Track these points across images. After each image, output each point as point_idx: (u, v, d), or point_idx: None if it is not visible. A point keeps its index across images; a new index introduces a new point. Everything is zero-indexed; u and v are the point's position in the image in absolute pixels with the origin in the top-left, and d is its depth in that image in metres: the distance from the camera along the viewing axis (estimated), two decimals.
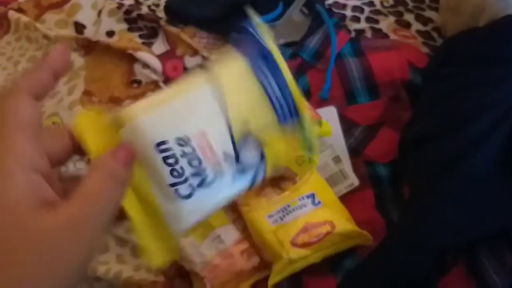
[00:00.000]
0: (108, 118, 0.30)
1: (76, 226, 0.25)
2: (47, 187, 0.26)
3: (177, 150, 0.29)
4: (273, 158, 0.32)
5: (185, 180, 0.29)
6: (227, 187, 0.31)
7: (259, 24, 0.33)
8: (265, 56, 0.32)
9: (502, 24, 0.57)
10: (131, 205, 0.29)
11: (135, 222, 0.29)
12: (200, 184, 0.29)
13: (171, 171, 0.29)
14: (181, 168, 0.29)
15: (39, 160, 0.26)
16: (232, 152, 0.30)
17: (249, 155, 0.31)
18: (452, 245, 0.49)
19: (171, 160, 0.29)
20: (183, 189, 0.29)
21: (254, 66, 0.31)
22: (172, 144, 0.29)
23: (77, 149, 0.30)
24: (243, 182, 0.31)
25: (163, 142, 0.29)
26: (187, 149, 0.29)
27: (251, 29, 0.33)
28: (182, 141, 0.29)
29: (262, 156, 0.31)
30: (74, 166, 0.62)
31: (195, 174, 0.29)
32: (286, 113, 0.32)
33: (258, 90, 0.31)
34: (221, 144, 0.30)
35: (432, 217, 0.48)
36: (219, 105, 0.30)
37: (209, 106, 0.30)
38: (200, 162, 0.29)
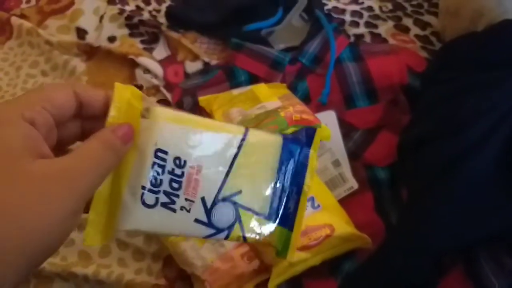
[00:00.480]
0: (141, 103, 0.31)
1: (68, 176, 0.26)
2: (43, 143, 0.27)
3: (169, 165, 0.30)
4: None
5: (156, 192, 0.30)
6: (185, 225, 0.32)
7: (318, 131, 0.35)
8: (301, 162, 0.34)
9: (500, 29, 0.57)
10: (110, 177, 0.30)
11: (98, 195, 0.30)
12: (164, 205, 0.31)
13: (152, 177, 0.30)
14: (161, 180, 0.30)
15: (39, 115, 0.27)
16: (209, 202, 0.31)
17: (221, 217, 0.32)
18: (451, 248, 0.49)
19: (158, 169, 0.30)
20: (149, 198, 0.30)
21: (284, 157, 0.33)
22: (169, 157, 0.30)
23: (79, 109, 0.30)
24: (203, 231, 0.32)
25: (164, 151, 0.30)
26: (177, 171, 0.31)
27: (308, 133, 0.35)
28: (179, 162, 0.30)
29: (235, 223, 0.32)
30: None
31: (167, 194, 0.30)
32: (274, 214, 0.33)
33: (270, 177, 0.33)
34: (205, 190, 0.31)
35: (432, 220, 0.48)
36: (230, 160, 0.32)
37: (223, 154, 0.32)
38: (179, 188, 0.31)
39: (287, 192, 0.33)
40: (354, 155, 0.59)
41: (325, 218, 0.52)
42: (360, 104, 0.63)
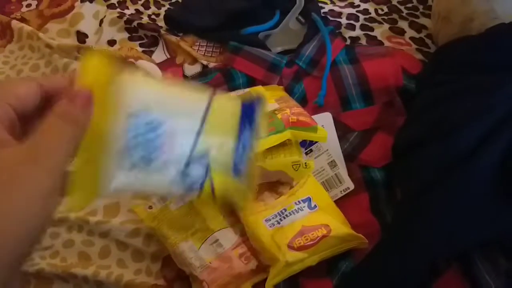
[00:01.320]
0: (111, 69, 0.31)
1: (34, 156, 0.27)
2: (3, 131, 0.28)
3: (142, 128, 0.31)
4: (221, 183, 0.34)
5: (132, 155, 0.30)
6: (162, 185, 0.32)
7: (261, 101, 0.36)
8: (253, 121, 0.35)
9: (494, 32, 0.58)
10: (85, 145, 0.30)
11: (80, 157, 0.30)
12: (141, 166, 0.31)
13: (127, 141, 0.30)
14: (136, 143, 0.30)
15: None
16: (183, 162, 0.32)
17: (194, 175, 0.33)
18: (447, 253, 0.49)
19: (132, 133, 0.30)
20: (126, 161, 0.30)
21: (243, 119, 0.35)
22: (142, 121, 0.31)
23: (47, 100, 0.31)
24: (178, 190, 0.33)
25: (137, 115, 0.30)
26: (151, 134, 0.31)
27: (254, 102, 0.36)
28: (152, 125, 0.31)
29: (205, 181, 0.34)
30: None
31: (143, 157, 0.31)
32: (237, 171, 0.35)
33: (233, 137, 0.34)
34: (179, 151, 0.32)
35: (428, 225, 0.48)
36: (200, 121, 0.33)
37: (193, 115, 0.33)
38: (154, 151, 0.31)
39: (246, 151, 0.35)
40: (350, 156, 0.60)
41: (322, 218, 0.53)
42: (356, 106, 0.63)
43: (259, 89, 0.63)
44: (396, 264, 0.48)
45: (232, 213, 0.56)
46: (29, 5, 0.84)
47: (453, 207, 0.48)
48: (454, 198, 0.49)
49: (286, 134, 0.53)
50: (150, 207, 0.57)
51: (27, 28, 0.78)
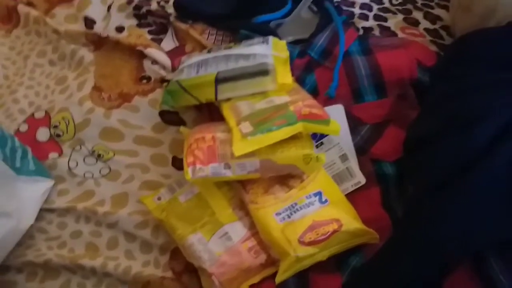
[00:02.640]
0: None
1: None
2: None
3: None
4: None
5: None
6: None
7: None
8: None
9: None
10: None
11: None
12: None
13: None
14: None
15: None
16: None
17: None
18: (460, 253, 0.48)
19: None
20: None
21: None
22: None
23: None
24: None
25: None
26: None
27: None
28: None
29: None
30: (84, 162, 0.63)
31: None
32: None
33: None
34: None
35: (441, 224, 0.48)
36: None
37: None
38: None
39: None
40: (361, 150, 0.59)
41: (333, 213, 0.52)
42: (368, 98, 0.62)
43: None
44: (407, 263, 0.48)
45: (241, 206, 0.55)
46: None
47: (468, 205, 0.48)
48: (469, 196, 0.48)
49: (298, 127, 0.52)
50: (159, 199, 0.57)
51: (34, 12, 0.77)
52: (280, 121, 0.52)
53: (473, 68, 0.56)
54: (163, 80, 0.68)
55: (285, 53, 0.61)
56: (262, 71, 0.57)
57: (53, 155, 0.64)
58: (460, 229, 0.47)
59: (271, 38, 0.62)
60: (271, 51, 0.59)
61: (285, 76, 0.58)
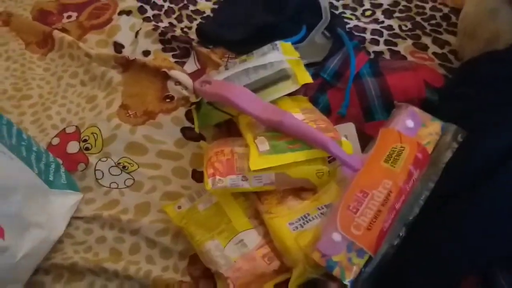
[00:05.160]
0: None
1: None
2: None
3: None
4: None
5: None
6: None
7: None
8: None
9: None
10: None
11: None
12: None
13: None
14: None
15: None
16: None
17: None
18: (470, 269, 0.49)
19: None
20: None
21: None
22: None
23: None
24: None
25: None
26: None
27: None
28: None
29: None
30: (109, 173, 0.67)
31: None
32: None
33: None
34: None
35: (452, 240, 0.49)
36: None
37: None
38: None
39: None
40: None
41: None
42: (378, 117, 0.65)
43: (284, 99, 0.66)
44: (416, 280, 0.49)
45: (256, 215, 0.58)
46: (69, 17, 0.90)
47: (479, 221, 0.48)
48: (480, 211, 0.49)
49: (312, 153, 0.55)
50: (179, 207, 0.60)
51: (67, 38, 0.83)
52: (294, 145, 0.55)
53: (479, 87, 0.59)
54: (186, 100, 0.72)
55: (295, 55, 0.65)
56: (283, 77, 0.62)
57: (81, 166, 0.68)
58: (470, 246, 0.48)
59: (279, 43, 0.66)
60: (284, 56, 0.63)
61: (303, 76, 0.63)
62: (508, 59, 0.60)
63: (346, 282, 0.47)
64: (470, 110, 0.57)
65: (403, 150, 0.53)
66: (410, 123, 0.55)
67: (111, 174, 0.67)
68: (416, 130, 0.55)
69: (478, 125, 0.54)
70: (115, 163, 0.67)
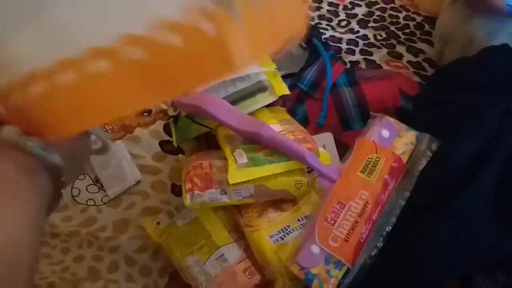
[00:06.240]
0: None
1: None
2: None
3: None
4: None
5: None
6: None
7: None
8: None
9: (485, 54, 0.61)
10: None
11: None
12: None
13: None
14: None
15: None
16: None
17: None
18: (446, 277, 0.50)
19: None
20: None
21: None
22: None
23: None
24: None
25: None
26: None
27: None
28: None
29: None
30: (86, 190, 0.66)
31: None
32: None
33: None
34: None
35: (429, 252, 0.49)
36: None
37: None
38: None
39: None
40: None
41: None
42: (355, 126, 0.66)
43: (263, 110, 0.66)
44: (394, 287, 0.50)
45: (236, 229, 0.58)
46: None
47: (453, 232, 0.49)
48: (453, 222, 0.49)
49: (290, 165, 0.55)
50: (158, 223, 0.59)
51: None
52: (272, 157, 0.56)
53: (452, 93, 0.60)
54: (164, 113, 0.72)
55: (272, 66, 0.66)
56: (261, 88, 0.62)
57: None
58: (446, 254, 0.49)
59: None
60: (261, 68, 0.63)
61: (280, 87, 0.63)
62: (477, 65, 0.62)
63: None
64: (442, 117, 0.58)
65: (379, 160, 0.53)
66: (385, 134, 0.56)
67: (88, 191, 0.66)
68: (392, 140, 0.56)
69: (449, 133, 0.54)
70: (93, 180, 0.67)
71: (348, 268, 0.48)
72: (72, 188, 0.66)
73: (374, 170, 0.52)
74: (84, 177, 0.67)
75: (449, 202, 0.50)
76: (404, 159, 0.55)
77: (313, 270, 0.48)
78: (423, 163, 0.54)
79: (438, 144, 0.55)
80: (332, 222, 0.50)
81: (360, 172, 0.53)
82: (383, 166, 0.53)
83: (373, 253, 0.50)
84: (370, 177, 0.52)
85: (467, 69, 0.62)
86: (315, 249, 0.49)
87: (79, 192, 0.66)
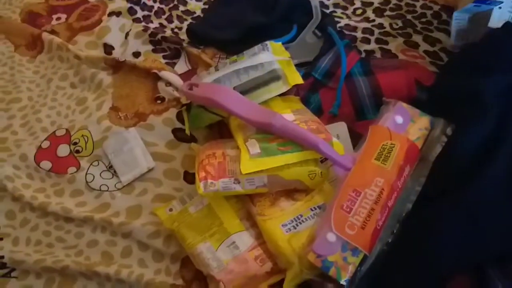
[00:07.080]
0: None
1: None
2: None
3: None
4: None
5: None
6: None
7: None
8: None
9: (486, 38, 0.60)
10: None
11: None
12: None
13: None
14: None
15: None
16: None
17: None
18: (456, 268, 0.49)
19: None
20: None
21: None
22: None
23: None
24: None
25: None
26: None
27: None
28: None
29: None
30: (100, 176, 0.67)
31: None
32: None
33: None
34: None
35: (436, 239, 0.49)
36: None
37: None
38: None
39: None
40: None
41: None
42: (370, 116, 0.65)
43: (276, 99, 0.65)
44: (405, 277, 0.49)
45: (248, 217, 0.58)
46: (59, 18, 0.89)
47: (464, 218, 0.49)
48: (465, 209, 0.49)
49: (303, 155, 0.55)
50: (171, 210, 0.60)
51: (57, 40, 0.83)
52: (285, 147, 0.55)
53: (460, 77, 0.59)
54: (177, 101, 0.72)
55: (285, 55, 0.65)
56: (274, 78, 0.61)
57: (71, 169, 0.67)
58: (458, 243, 0.48)
59: (269, 44, 0.66)
60: (274, 57, 0.63)
61: (294, 76, 0.62)
62: (478, 50, 0.61)
63: (343, 281, 0.47)
64: (450, 104, 0.58)
65: (393, 147, 0.53)
66: (399, 119, 0.55)
67: (102, 178, 0.66)
68: (406, 126, 0.55)
69: (457, 119, 0.54)
70: (106, 167, 0.67)
71: (365, 255, 0.48)
72: (86, 174, 0.67)
73: (389, 156, 0.52)
74: (98, 163, 0.67)
75: (458, 192, 0.50)
76: (419, 144, 0.54)
77: (330, 258, 0.48)
78: (438, 149, 0.53)
79: (452, 129, 0.54)
80: (348, 210, 0.50)
81: (375, 159, 0.52)
82: (398, 153, 0.52)
83: (389, 240, 0.50)
84: (385, 164, 0.51)
85: (472, 51, 0.62)
86: (331, 237, 0.49)
87: (93, 178, 0.66)
